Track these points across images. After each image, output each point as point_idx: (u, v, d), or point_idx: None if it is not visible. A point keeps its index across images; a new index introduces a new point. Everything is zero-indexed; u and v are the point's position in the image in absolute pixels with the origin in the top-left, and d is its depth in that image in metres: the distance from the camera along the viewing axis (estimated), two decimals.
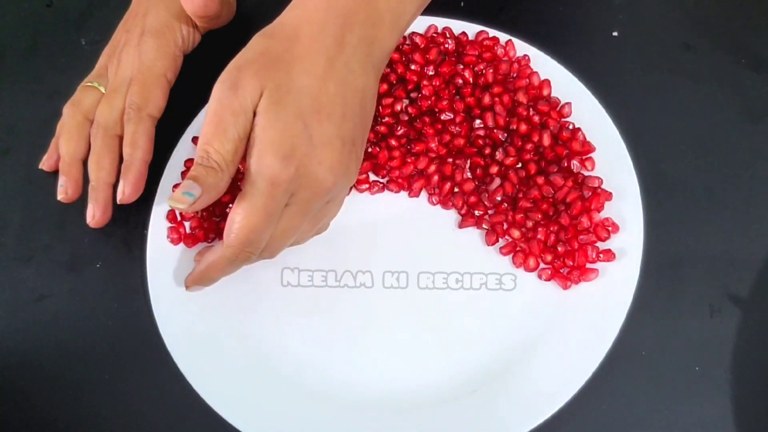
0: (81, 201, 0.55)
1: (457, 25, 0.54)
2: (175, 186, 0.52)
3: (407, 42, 0.53)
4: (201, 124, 0.53)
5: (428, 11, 0.53)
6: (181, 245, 0.51)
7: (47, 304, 0.52)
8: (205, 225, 0.51)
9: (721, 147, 0.51)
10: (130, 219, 0.53)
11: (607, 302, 0.46)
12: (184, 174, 0.52)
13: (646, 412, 0.46)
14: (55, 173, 0.55)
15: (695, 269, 0.49)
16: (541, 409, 0.44)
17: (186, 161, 0.52)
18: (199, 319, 0.49)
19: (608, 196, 0.48)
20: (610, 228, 0.48)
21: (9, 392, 0.50)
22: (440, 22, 0.54)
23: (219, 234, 0.51)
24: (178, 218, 0.51)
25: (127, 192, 0.50)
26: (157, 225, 0.51)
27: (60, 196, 0.52)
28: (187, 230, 0.51)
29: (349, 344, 0.49)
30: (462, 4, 0.58)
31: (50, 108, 0.57)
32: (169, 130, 0.54)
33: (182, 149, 0.53)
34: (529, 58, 0.52)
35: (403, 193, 0.52)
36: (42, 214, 0.55)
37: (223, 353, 0.48)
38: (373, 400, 0.47)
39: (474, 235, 0.50)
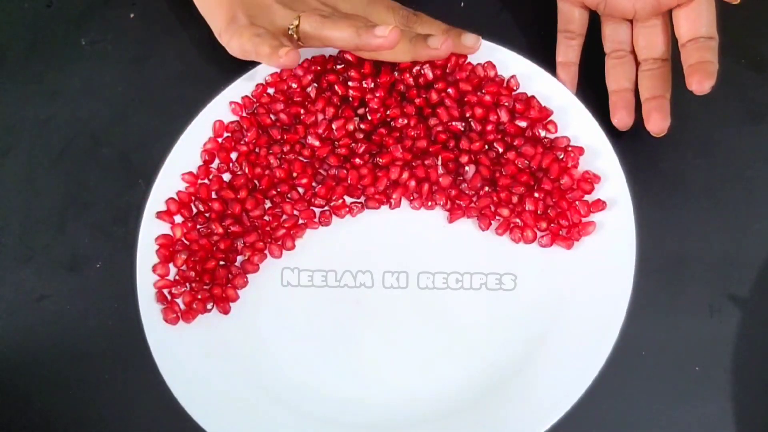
0: (81, 201, 0.55)
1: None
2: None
3: (339, 63, 0.53)
4: (200, 125, 0.53)
5: (428, 11, 0.53)
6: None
7: (47, 304, 0.52)
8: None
9: (721, 147, 0.51)
10: (130, 219, 0.53)
11: (607, 302, 0.46)
12: (183, 175, 0.52)
13: (646, 412, 0.46)
14: (52, 172, 0.55)
15: (695, 269, 0.49)
16: (545, 414, 0.44)
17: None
18: (198, 319, 0.49)
19: (580, 150, 0.49)
20: (590, 179, 0.48)
21: (9, 392, 0.50)
22: None
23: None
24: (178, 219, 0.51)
25: None
26: (156, 224, 0.51)
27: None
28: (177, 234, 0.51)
29: (348, 344, 0.49)
30: (462, 4, 0.58)
31: (50, 108, 0.58)
32: (169, 130, 0.54)
33: (182, 149, 0.53)
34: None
35: (384, 208, 0.51)
36: (42, 214, 0.55)
37: (222, 353, 0.49)
38: (372, 398, 0.47)
39: (474, 234, 0.50)
